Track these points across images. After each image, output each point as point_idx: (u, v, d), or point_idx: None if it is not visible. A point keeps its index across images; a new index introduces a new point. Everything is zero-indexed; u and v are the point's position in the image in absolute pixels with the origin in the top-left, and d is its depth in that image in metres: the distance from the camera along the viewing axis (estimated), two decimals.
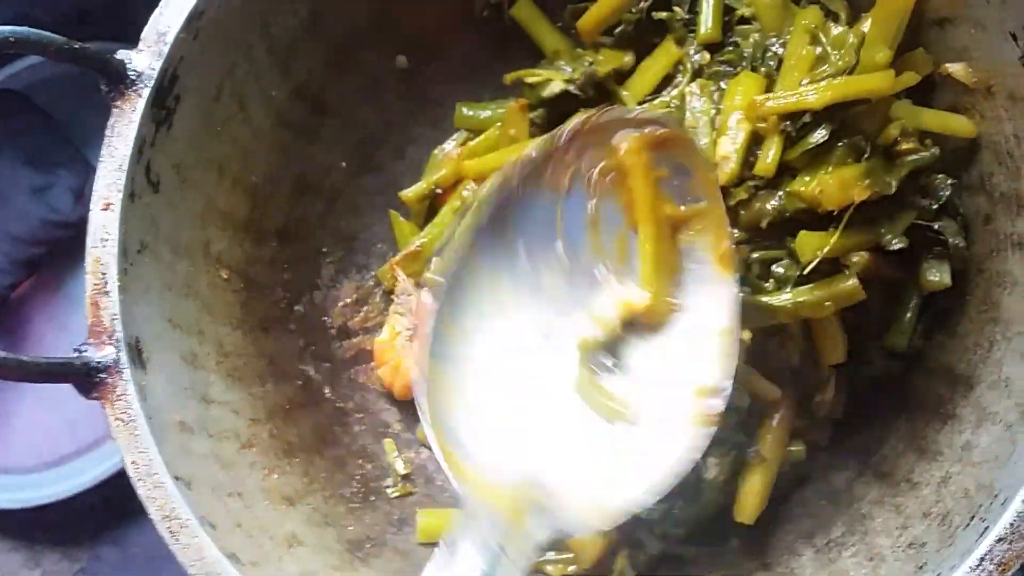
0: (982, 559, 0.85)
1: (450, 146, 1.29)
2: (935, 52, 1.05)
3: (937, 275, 1.05)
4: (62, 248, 1.51)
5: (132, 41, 1.01)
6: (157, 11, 1.01)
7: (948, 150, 1.04)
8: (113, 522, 1.47)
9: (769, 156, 1.01)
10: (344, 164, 1.28)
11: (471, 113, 1.27)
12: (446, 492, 1.22)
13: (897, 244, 1.01)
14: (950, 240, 1.04)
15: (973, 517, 0.90)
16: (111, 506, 1.46)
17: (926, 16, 1.04)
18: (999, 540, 0.85)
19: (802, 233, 1.00)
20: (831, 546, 1.04)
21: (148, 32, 1.01)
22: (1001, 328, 0.99)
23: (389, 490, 1.20)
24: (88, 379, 0.95)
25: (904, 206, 1.03)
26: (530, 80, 1.21)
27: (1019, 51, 0.94)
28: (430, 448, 1.21)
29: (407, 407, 1.26)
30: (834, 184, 0.98)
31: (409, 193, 1.28)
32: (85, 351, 0.96)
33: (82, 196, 1.47)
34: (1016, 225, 0.99)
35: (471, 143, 1.26)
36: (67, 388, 1.44)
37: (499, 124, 1.24)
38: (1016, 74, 0.96)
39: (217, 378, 1.08)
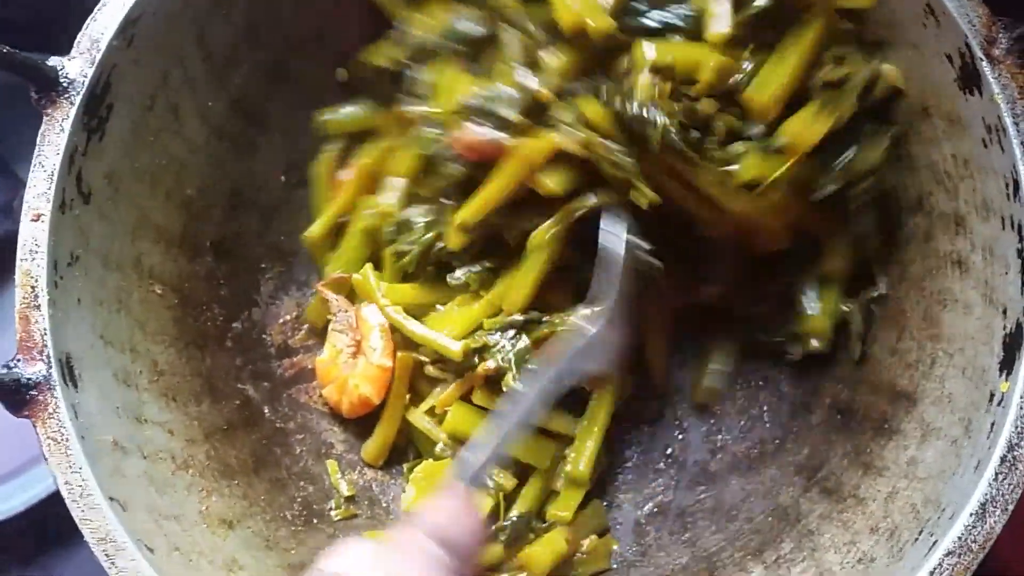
0: (932, 573, 0.86)
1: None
2: None
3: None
4: None
5: (59, 53, 0.98)
6: (91, 17, 0.98)
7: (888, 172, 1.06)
8: (40, 550, 1.41)
9: None
10: (283, 178, 1.26)
11: (335, 116, 1.23)
12: (391, 515, 1.20)
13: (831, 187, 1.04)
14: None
15: (921, 531, 0.92)
16: (38, 533, 1.40)
17: (864, 38, 1.06)
18: (948, 554, 0.86)
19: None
20: (780, 562, 1.04)
21: (82, 38, 0.98)
22: (943, 345, 1.01)
23: (332, 513, 1.17)
24: (18, 396, 0.91)
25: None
26: None
27: (955, 73, 0.96)
28: (374, 467, 1.22)
29: (350, 426, 1.24)
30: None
31: (312, 234, 1.25)
32: (15, 367, 0.92)
33: (10, 211, 1.42)
34: (955, 243, 1.01)
35: (365, 154, 1.23)
36: None
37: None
38: (952, 95, 0.98)
39: (151, 397, 1.04)
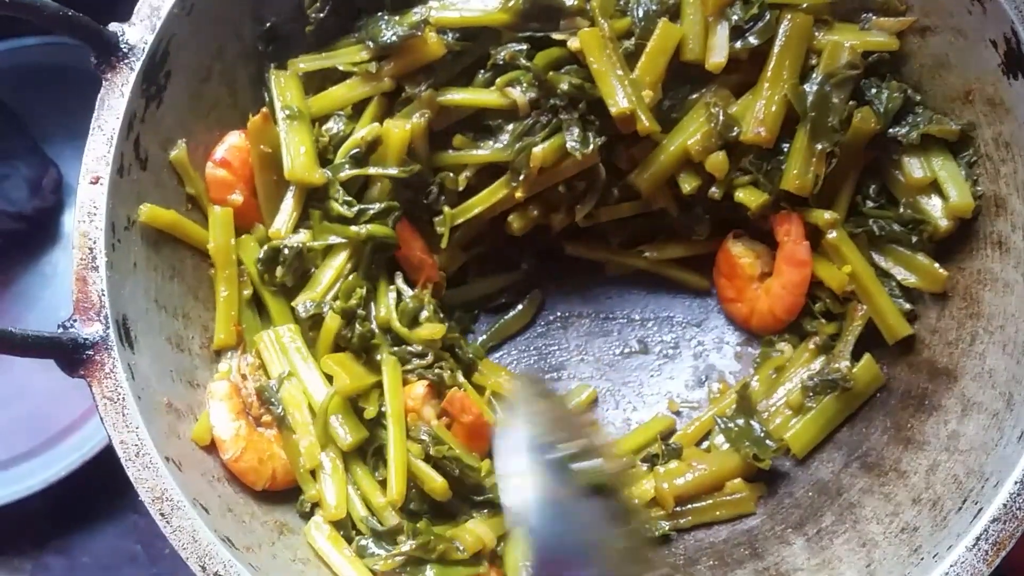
0: (978, 539, 0.88)
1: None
2: (916, 60, 1.09)
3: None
4: (14, 242, 1.45)
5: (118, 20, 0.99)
6: None
7: None
8: (61, 529, 1.40)
9: None
10: None
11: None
12: None
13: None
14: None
15: (965, 500, 0.93)
16: (59, 512, 1.39)
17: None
18: (994, 520, 0.88)
19: None
20: (822, 534, 1.05)
21: (142, 5, 0.99)
22: (983, 323, 1.03)
23: None
24: (74, 355, 0.92)
25: None
26: None
27: (999, 58, 0.99)
28: None
29: None
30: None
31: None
32: (72, 327, 0.92)
33: (39, 189, 1.43)
34: (995, 224, 1.03)
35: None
36: (13, 389, 1.40)
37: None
38: (995, 80, 1.01)
39: (202, 363, 1.06)
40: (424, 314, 1.12)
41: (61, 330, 0.92)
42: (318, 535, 1.02)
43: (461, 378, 1.12)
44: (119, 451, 0.91)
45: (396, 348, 1.10)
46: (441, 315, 1.14)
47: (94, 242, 0.95)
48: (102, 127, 0.97)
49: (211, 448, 1.01)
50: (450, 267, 1.20)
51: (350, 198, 1.09)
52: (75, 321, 0.93)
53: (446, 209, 1.11)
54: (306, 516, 1.05)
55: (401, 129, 1.07)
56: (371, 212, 1.08)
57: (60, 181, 1.46)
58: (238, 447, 1.01)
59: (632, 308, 1.26)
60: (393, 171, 1.08)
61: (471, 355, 1.17)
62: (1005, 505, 0.88)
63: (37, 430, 1.40)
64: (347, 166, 1.08)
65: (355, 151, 1.08)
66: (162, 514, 0.90)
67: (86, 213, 0.95)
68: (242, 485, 1.01)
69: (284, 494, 1.04)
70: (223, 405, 1.03)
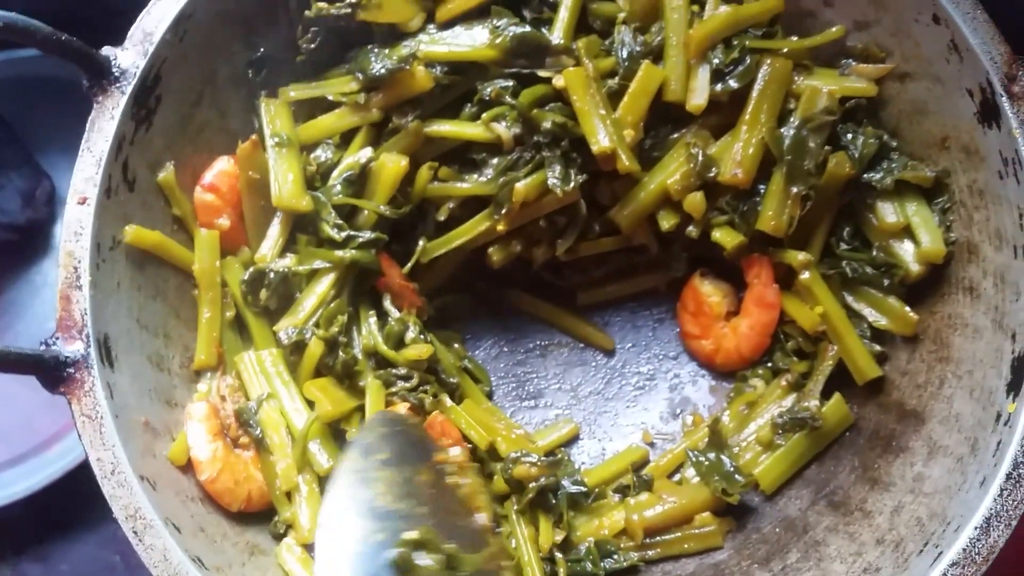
0: None
1: None
2: (895, 105, 1.11)
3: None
4: (6, 251, 1.46)
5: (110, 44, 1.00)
6: (145, 10, 1.01)
7: None
8: (41, 537, 1.41)
9: None
10: None
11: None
12: None
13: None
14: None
15: (927, 543, 0.95)
16: (40, 520, 1.40)
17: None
18: (952, 564, 0.89)
19: None
20: (787, 571, 1.06)
21: (135, 30, 1.01)
22: (952, 367, 1.05)
23: None
24: (55, 373, 0.93)
25: None
26: None
27: (975, 107, 1.00)
28: None
29: None
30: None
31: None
32: (54, 344, 0.94)
33: (31, 200, 1.44)
34: (967, 270, 1.05)
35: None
36: None
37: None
38: (971, 129, 1.02)
39: (181, 383, 1.07)
40: (410, 335, 1.13)
41: (43, 347, 0.93)
42: (289, 557, 1.03)
43: (449, 402, 1.14)
44: (95, 468, 0.92)
45: (381, 371, 1.11)
46: (425, 336, 1.15)
47: (79, 261, 0.96)
48: (91, 149, 0.98)
49: (187, 468, 1.02)
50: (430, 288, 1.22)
51: (340, 221, 1.10)
52: (57, 339, 0.94)
53: (422, 241, 1.14)
54: (279, 537, 1.06)
55: (396, 164, 1.09)
56: (360, 240, 1.10)
57: (53, 193, 1.47)
58: (215, 468, 1.02)
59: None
60: (384, 210, 1.10)
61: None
62: (964, 550, 0.89)
63: (22, 439, 1.41)
64: (339, 189, 1.10)
65: (348, 174, 1.10)
66: (135, 532, 0.91)
67: (72, 233, 0.97)
68: (215, 505, 1.02)
69: (257, 515, 1.06)
70: (201, 426, 1.04)
